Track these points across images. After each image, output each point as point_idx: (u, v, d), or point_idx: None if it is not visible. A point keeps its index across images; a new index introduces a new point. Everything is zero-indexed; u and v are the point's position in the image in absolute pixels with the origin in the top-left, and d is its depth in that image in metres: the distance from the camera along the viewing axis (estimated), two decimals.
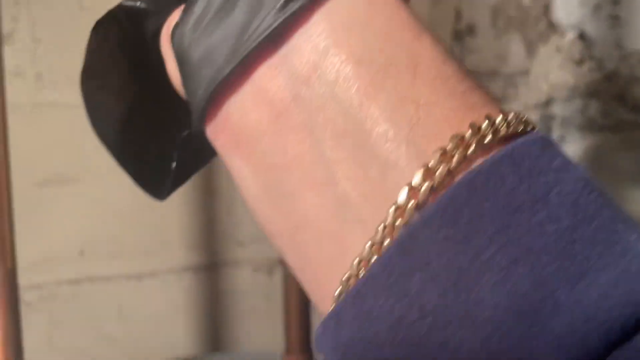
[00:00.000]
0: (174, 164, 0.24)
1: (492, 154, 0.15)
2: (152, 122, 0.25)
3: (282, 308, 0.44)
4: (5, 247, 0.33)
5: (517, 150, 0.15)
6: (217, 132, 0.19)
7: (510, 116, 0.16)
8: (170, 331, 0.73)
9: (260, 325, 0.77)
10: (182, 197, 0.73)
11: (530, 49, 0.75)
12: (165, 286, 0.73)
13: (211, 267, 0.75)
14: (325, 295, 0.16)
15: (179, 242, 0.74)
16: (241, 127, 0.18)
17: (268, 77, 0.17)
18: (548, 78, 0.75)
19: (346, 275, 0.15)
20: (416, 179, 0.14)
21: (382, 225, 0.15)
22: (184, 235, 0.74)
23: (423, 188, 0.14)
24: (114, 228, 0.71)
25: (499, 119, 0.15)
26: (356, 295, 0.15)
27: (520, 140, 0.15)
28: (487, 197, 0.14)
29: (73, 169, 0.69)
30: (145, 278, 0.72)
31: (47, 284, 0.68)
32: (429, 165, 0.14)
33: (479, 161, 0.15)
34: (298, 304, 0.43)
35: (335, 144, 0.16)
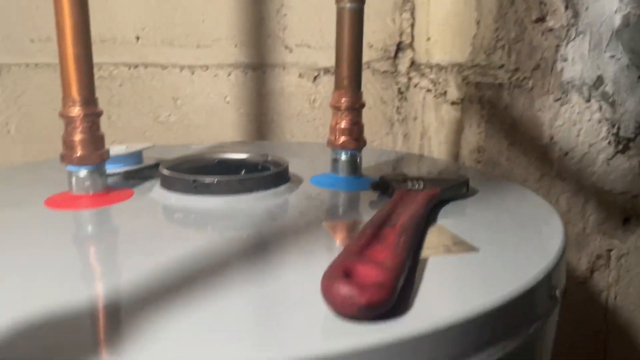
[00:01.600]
0: None
1: None
2: None
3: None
4: None
5: None
6: None
7: None
8: (219, 122, 0.77)
9: (302, 126, 0.81)
10: None
11: None
12: (216, 80, 0.76)
13: (259, 66, 0.77)
14: None
15: (229, 39, 0.76)
16: None
17: None
18: None
19: None
20: None
21: None
22: (234, 33, 0.76)
23: None
24: (169, 18, 0.73)
25: None
26: None
27: None
28: None
29: None
30: (197, 70, 0.75)
31: (105, 65, 0.72)
32: None
33: None
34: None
35: None
